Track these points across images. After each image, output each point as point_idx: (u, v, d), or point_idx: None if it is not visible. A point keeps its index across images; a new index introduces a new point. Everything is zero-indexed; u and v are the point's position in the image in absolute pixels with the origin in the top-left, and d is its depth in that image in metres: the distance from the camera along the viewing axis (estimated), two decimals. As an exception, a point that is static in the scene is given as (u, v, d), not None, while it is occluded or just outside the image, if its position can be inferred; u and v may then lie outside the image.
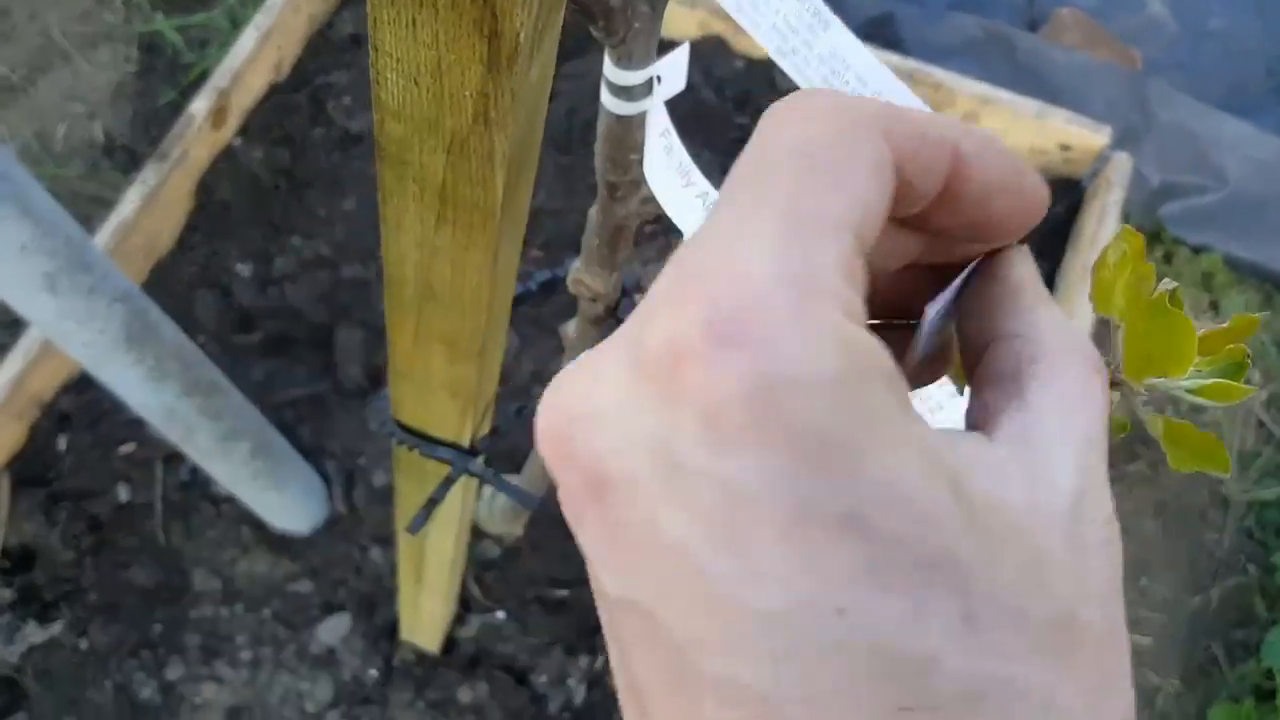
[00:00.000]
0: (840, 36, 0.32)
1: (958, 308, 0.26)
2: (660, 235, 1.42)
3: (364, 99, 1.50)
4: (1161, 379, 0.28)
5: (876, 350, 0.18)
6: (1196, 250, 1.71)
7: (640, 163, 0.45)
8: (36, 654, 1.16)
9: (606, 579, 0.19)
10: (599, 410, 0.19)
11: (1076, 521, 0.20)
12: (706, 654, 0.18)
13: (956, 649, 0.18)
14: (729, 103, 1.50)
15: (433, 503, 0.61)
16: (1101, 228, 1.38)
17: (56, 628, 1.17)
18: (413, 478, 0.69)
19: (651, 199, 0.47)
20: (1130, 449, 1.57)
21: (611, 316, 0.60)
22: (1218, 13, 1.91)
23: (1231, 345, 0.27)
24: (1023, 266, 0.25)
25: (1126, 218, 1.73)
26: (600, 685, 1.21)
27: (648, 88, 0.40)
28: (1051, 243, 1.46)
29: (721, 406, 0.17)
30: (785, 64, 0.34)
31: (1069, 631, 0.19)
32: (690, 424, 0.18)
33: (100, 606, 1.18)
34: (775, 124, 0.21)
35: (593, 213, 0.51)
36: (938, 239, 0.25)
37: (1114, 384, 0.29)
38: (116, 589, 1.19)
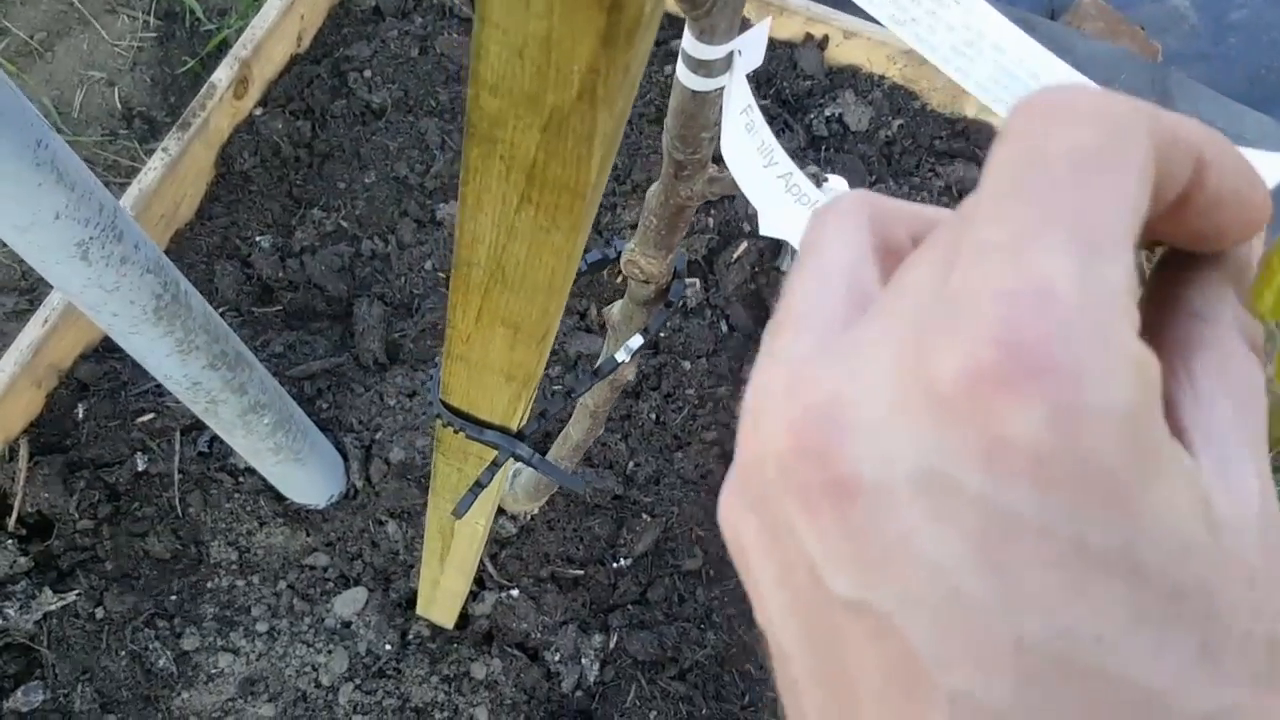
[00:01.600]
0: (975, 4, 0.31)
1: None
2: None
3: (385, 72, 1.49)
4: None
5: (1156, 368, 0.18)
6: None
7: (710, 141, 0.44)
8: (52, 621, 1.16)
9: (839, 579, 0.19)
10: (863, 420, 0.19)
11: (1265, 530, 0.19)
12: (948, 668, 0.18)
13: (1196, 680, 0.18)
14: (751, 83, 1.49)
15: (479, 486, 0.61)
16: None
17: (72, 596, 1.17)
18: (453, 459, 0.69)
19: (717, 179, 0.47)
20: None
21: (661, 299, 0.60)
22: (1239, 4, 1.90)
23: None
24: (1236, 261, 0.24)
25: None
26: (613, 663, 1.21)
27: (727, 62, 0.40)
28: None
29: (1016, 438, 0.17)
30: (903, 32, 0.33)
31: (1277, 649, 0.19)
32: (974, 449, 0.17)
33: (116, 575, 1.19)
34: (1039, 127, 0.19)
35: (652, 192, 0.51)
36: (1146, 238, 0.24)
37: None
38: (133, 558, 1.19)
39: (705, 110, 0.44)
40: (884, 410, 0.19)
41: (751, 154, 0.39)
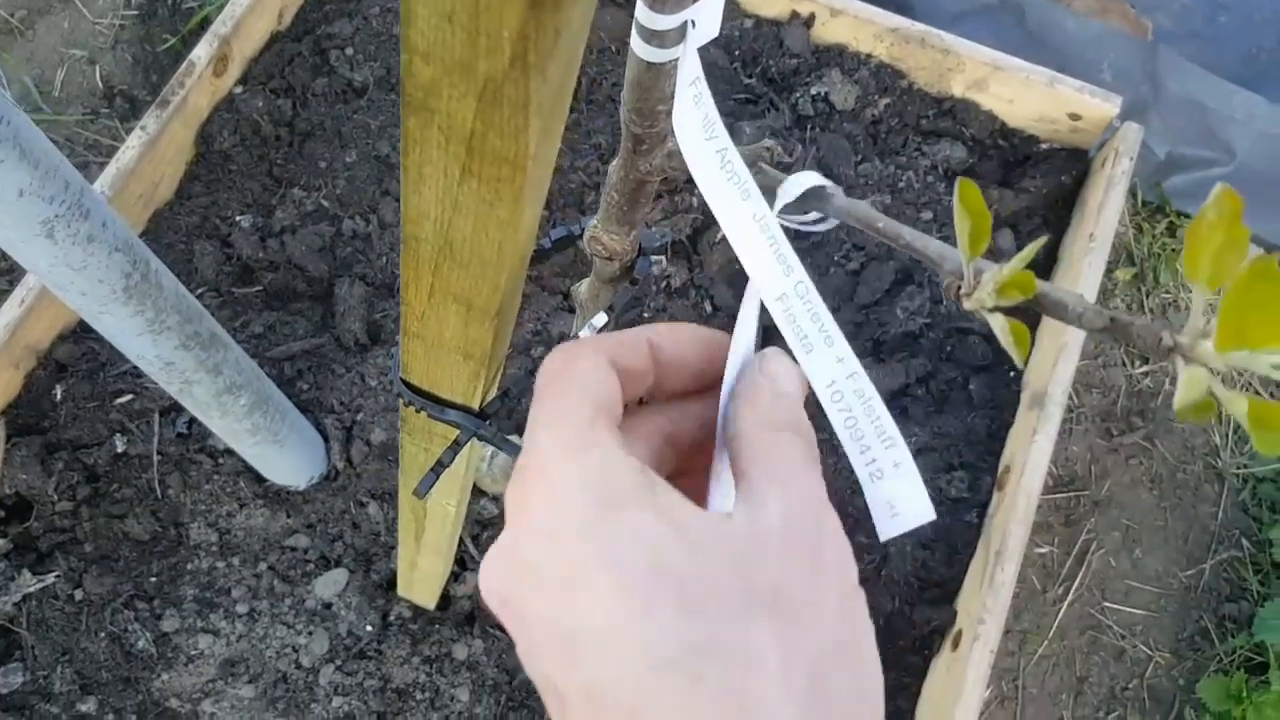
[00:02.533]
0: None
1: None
2: (665, 195, 1.40)
3: (367, 50, 1.47)
4: (1245, 355, 0.27)
5: (632, 466, 0.31)
6: (1202, 224, 1.70)
7: (668, 115, 0.43)
8: (31, 603, 1.15)
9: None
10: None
11: (787, 528, 0.31)
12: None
13: (672, 618, 0.28)
14: (737, 61, 1.48)
15: (440, 466, 0.61)
16: (1108, 198, 1.36)
17: (51, 577, 1.16)
18: (419, 439, 0.68)
19: (676, 153, 0.46)
20: (1128, 420, 1.57)
21: (626, 276, 0.59)
22: (1231, -18, 1.88)
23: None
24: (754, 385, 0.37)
25: (1133, 190, 1.72)
26: (596, 645, 1.21)
27: (681, 33, 0.39)
28: (1058, 212, 1.45)
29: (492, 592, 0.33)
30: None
31: (778, 598, 0.29)
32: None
33: (96, 557, 1.18)
34: (541, 372, 0.35)
35: (613, 167, 0.50)
36: (685, 399, 0.39)
37: (1187, 359, 0.28)
38: (112, 540, 1.19)
39: (660, 82, 0.43)
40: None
41: (696, 126, 0.38)
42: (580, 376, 0.33)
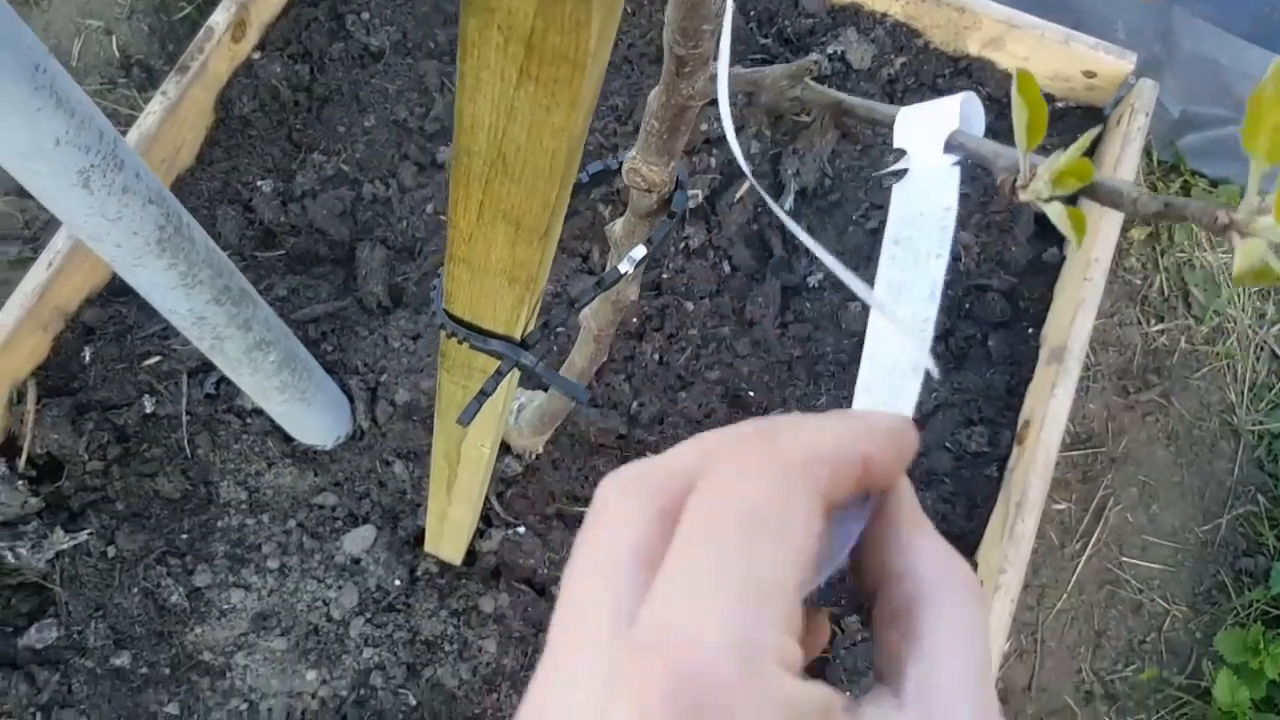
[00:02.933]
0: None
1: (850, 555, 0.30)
2: (683, 155, 1.41)
3: (383, 14, 1.48)
4: None
5: (811, 697, 0.23)
6: (1215, 183, 1.71)
7: (712, 35, 0.44)
8: (64, 560, 1.17)
9: None
10: None
11: None
12: None
13: None
14: (753, 22, 1.48)
15: (484, 394, 0.62)
16: (1124, 154, 1.37)
17: (84, 535, 1.18)
18: (458, 375, 0.69)
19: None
20: (1144, 378, 1.58)
21: (664, 210, 0.60)
22: (1246, -58, 1.87)
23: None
24: (898, 499, 0.29)
25: (1147, 149, 1.72)
26: (620, 599, 1.23)
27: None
28: (1075, 170, 1.45)
29: None
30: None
31: None
32: None
33: (127, 515, 1.20)
34: (718, 484, 0.25)
35: (654, 94, 0.51)
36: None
37: (1243, 234, 0.29)
38: (143, 498, 1.20)
39: (706, 0, 0.43)
40: None
41: (728, 41, 0.39)
42: (793, 526, 0.24)
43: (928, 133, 0.38)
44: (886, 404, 0.34)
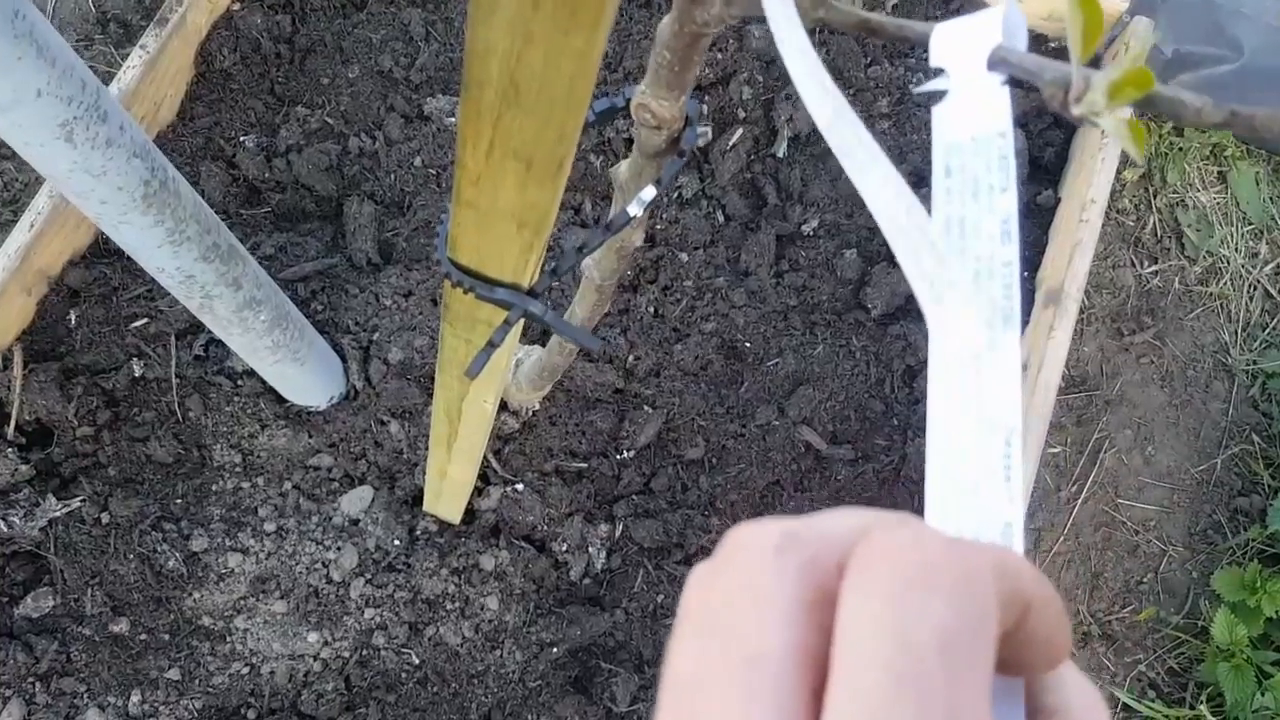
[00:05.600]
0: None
1: None
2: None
3: (363, -36, 1.44)
4: None
5: None
6: (1209, 123, 1.69)
7: (730, -43, 0.42)
8: (58, 528, 1.15)
9: None
10: None
11: None
12: None
13: None
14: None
15: (492, 346, 0.60)
16: (1121, 95, 1.35)
17: (76, 502, 1.16)
18: (460, 328, 0.68)
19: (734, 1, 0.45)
20: (1138, 319, 1.58)
21: (673, 149, 0.58)
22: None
23: None
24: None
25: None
26: (619, 551, 1.22)
27: None
28: (1069, 111, 1.43)
29: None
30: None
31: None
32: None
33: (120, 480, 1.18)
34: (908, 602, 0.20)
35: (665, 23, 0.49)
36: None
37: None
38: (135, 463, 1.19)
39: (721, -81, 0.42)
40: None
41: None
42: (987, 663, 0.21)
43: (969, 49, 0.36)
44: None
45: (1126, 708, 1.39)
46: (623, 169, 0.64)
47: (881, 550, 0.22)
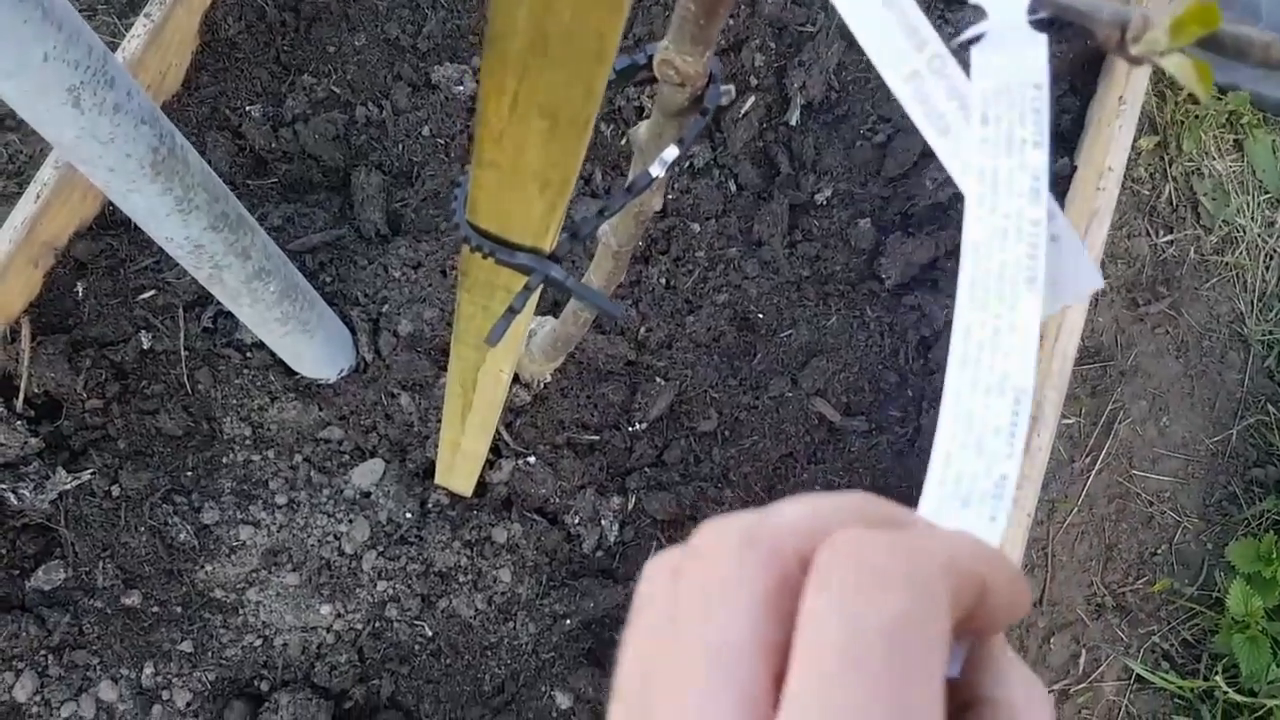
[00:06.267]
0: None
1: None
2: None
3: (369, -70, 1.42)
4: None
5: None
6: (1223, 89, 1.67)
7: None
8: (69, 501, 1.15)
9: None
10: None
11: None
12: None
13: None
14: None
15: (512, 311, 0.59)
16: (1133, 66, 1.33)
17: (86, 475, 1.16)
18: (478, 295, 0.66)
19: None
20: (1153, 289, 1.56)
21: (696, 108, 0.57)
22: None
23: None
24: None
25: (1155, 57, 1.69)
26: (632, 524, 1.21)
27: None
28: (1085, 76, 1.41)
29: None
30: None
31: None
32: None
33: (130, 453, 1.17)
34: (850, 586, 0.23)
35: (692, -24, 0.48)
36: None
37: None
38: (145, 436, 1.18)
39: None
40: None
41: None
42: (939, 658, 0.23)
43: None
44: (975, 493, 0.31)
45: (1140, 679, 1.39)
46: (642, 130, 0.63)
47: (843, 550, 0.23)
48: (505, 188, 0.51)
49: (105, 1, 1.54)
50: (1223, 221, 1.61)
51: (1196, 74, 0.29)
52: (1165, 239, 1.59)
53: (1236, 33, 0.30)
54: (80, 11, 1.49)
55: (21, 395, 1.15)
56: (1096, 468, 1.48)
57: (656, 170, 0.57)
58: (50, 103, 0.74)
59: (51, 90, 0.73)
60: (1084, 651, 1.40)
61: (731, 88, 0.57)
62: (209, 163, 1.28)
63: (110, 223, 1.24)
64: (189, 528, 1.15)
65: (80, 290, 1.20)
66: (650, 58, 0.55)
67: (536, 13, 0.37)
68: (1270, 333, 1.56)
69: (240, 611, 1.14)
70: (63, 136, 0.78)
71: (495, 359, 0.78)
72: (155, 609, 1.13)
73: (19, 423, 1.15)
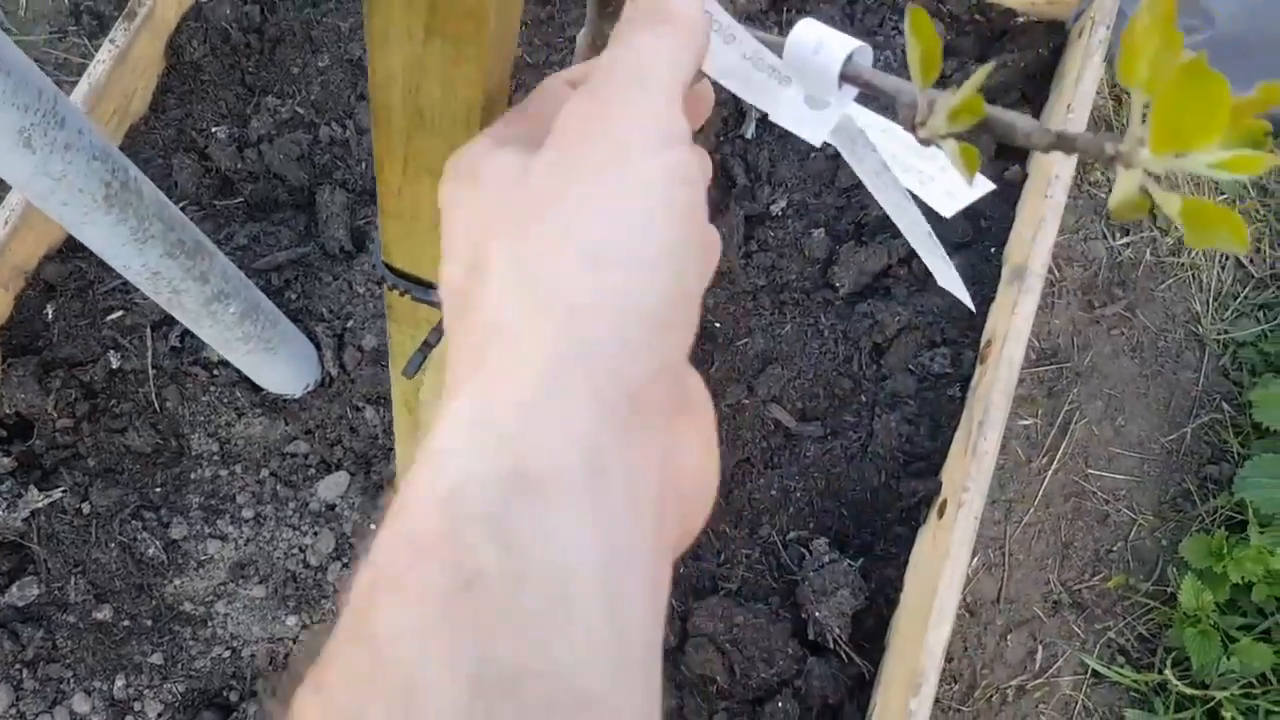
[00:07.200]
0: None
1: None
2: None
3: (331, -48, 1.45)
4: (1183, 157, 0.28)
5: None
6: (1181, 93, 1.70)
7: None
8: (40, 518, 1.18)
9: None
10: None
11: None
12: None
13: None
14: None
15: (427, 346, 0.62)
16: (1085, 69, 1.36)
17: (57, 493, 1.19)
18: (405, 326, 0.70)
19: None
20: (1109, 291, 1.59)
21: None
22: None
23: (1254, 118, 0.27)
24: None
25: (1111, 61, 1.71)
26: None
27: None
28: (1036, 85, 1.44)
29: None
30: None
31: None
32: None
33: (99, 471, 1.20)
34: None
35: (580, 37, 0.50)
36: None
37: (1127, 165, 0.29)
38: (114, 454, 1.21)
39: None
40: None
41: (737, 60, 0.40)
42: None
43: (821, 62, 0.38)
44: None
45: (1096, 674, 1.42)
46: (580, 38, 0.66)
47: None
48: (411, 235, 0.54)
49: (76, 23, 1.56)
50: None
51: (964, 160, 0.32)
52: (1122, 241, 1.62)
53: (1004, 118, 0.33)
54: (51, 33, 1.52)
55: (-7, 416, 1.18)
56: (1053, 467, 1.51)
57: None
58: (3, 145, 0.77)
59: (4, 134, 0.75)
60: (1040, 648, 1.43)
61: None
62: (176, 184, 1.31)
63: (78, 245, 1.26)
64: (158, 543, 1.18)
65: (50, 312, 1.23)
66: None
67: (410, 91, 0.40)
68: (1225, 332, 1.59)
69: (209, 624, 1.17)
70: (17, 176, 0.80)
71: (432, 382, 0.81)
72: (126, 623, 1.16)
73: (-9, 443, 1.18)
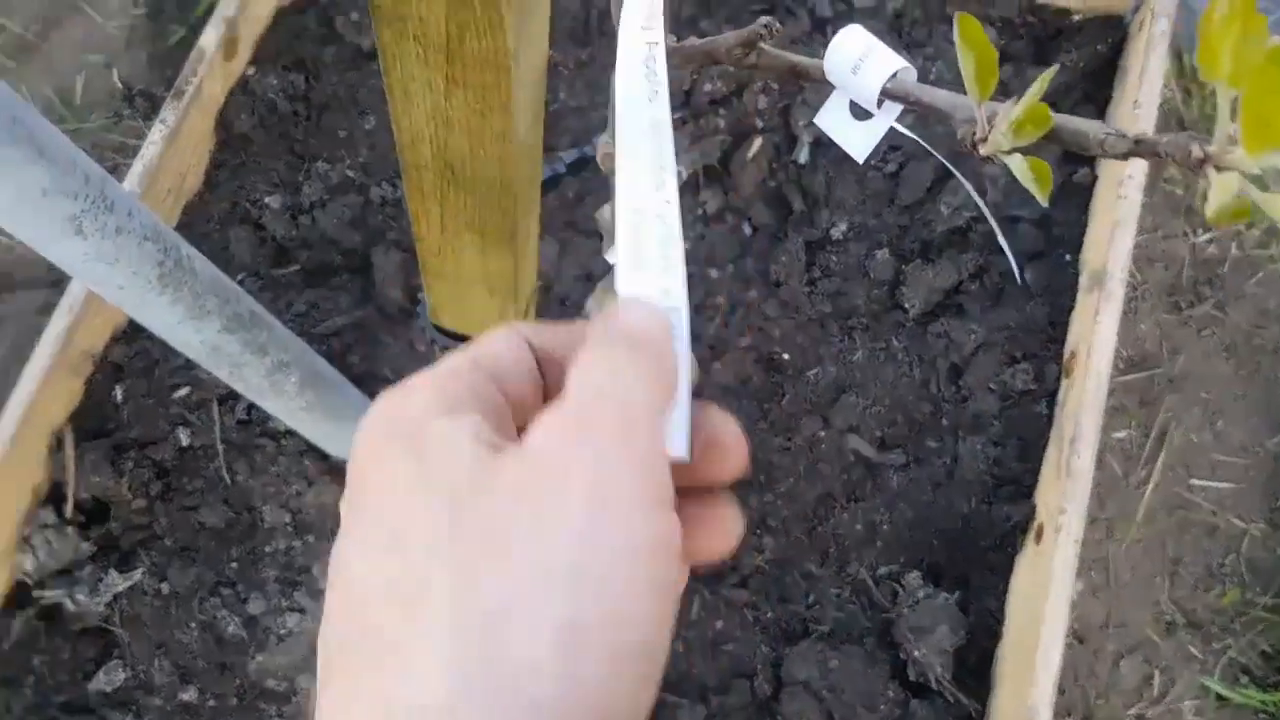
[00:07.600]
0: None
1: None
2: (689, 120, 1.37)
3: (372, 15, 1.45)
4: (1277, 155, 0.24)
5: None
6: (1253, 78, 1.63)
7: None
8: (122, 602, 1.18)
9: None
10: None
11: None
12: None
13: None
14: (747, -25, 1.43)
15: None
16: (1149, 62, 1.30)
17: (137, 575, 1.19)
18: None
19: (677, 50, 0.44)
20: (1195, 291, 1.52)
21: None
22: None
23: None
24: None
25: (1178, 54, 1.65)
26: (675, 580, 1.21)
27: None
28: (1097, 83, 1.39)
29: None
30: None
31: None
32: None
33: (176, 550, 1.20)
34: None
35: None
36: None
37: (1220, 168, 0.26)
38: (189, 531, 1.21)
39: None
40: None
41: (639, 14, 0.36)
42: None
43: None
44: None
45: (1219, 697, 1.34)
46: (606, 212, 0.63)
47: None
48: (457, 293, 0.52)
49: (130, 106, 1.59)
50: (1263, 213, 1.56)
51: (1035, 177, 0.29)
52: (1204, 238, 1.55)
53: (1075, 125, 0.29)
54: (107, 118, 1.55)
55: (70, 502, 1.19)
56: (1153, 481, 1.44)
57: (611, 257, 0.57)
58: (54, 233, 0.76)
59: (55, 222, 0.75)
60: (1157, 672, 1.36)
61: (682, 171, 0.57)
62: (234, 256, 1.32)
63: (141, 326, 1.28)
64: (237, 620, 1.17)
65: (119, 394, 1.24)
66: (597, 149, 0.55)
67: (438, 148, 0.38)
68: (1324, 324, 1.51)
69: (293, 699, 1.15)
70: (71, 262, 0.80)
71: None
72: (212, 703, 1.15)
73: (70, 529, 1.18)
